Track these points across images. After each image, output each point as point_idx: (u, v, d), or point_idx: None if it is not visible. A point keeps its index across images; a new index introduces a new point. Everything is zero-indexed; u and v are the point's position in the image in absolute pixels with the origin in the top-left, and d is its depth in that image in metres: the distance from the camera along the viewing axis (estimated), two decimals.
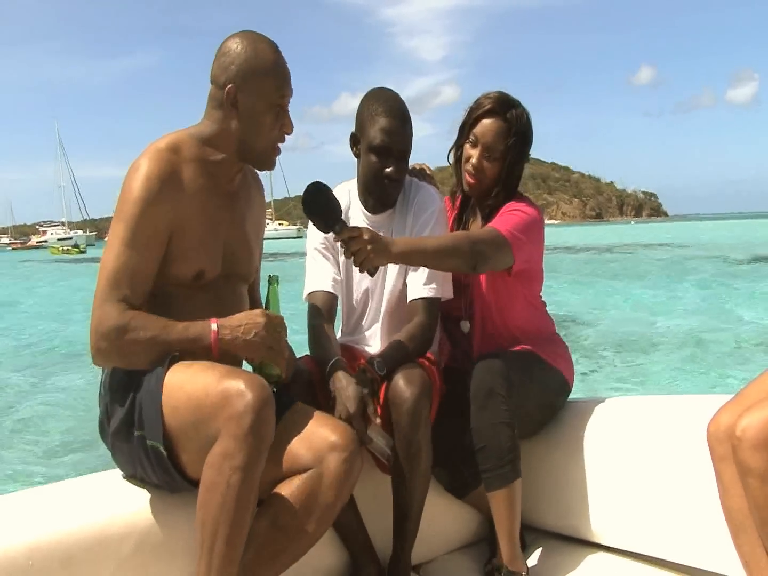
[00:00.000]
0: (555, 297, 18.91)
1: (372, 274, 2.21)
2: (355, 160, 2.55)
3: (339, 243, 2.16)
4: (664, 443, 2.38)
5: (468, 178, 2.58)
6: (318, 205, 2.14)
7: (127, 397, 1.89)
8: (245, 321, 1.90)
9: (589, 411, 2.60)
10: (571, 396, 2.69)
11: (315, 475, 1.91)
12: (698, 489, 2.16)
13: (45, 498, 1.95)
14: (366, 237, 2.09)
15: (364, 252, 2.09)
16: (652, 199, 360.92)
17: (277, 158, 2.09)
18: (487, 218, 2.60)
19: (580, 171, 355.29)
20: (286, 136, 2.07)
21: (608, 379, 10.11)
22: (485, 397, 2.30)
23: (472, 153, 2.55)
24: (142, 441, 1.85)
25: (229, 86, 1.97)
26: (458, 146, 2.63)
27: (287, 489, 1.92)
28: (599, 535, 2.53)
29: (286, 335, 1.97)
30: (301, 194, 2.18)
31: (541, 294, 2.73)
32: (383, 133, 2.38)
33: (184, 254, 1.97)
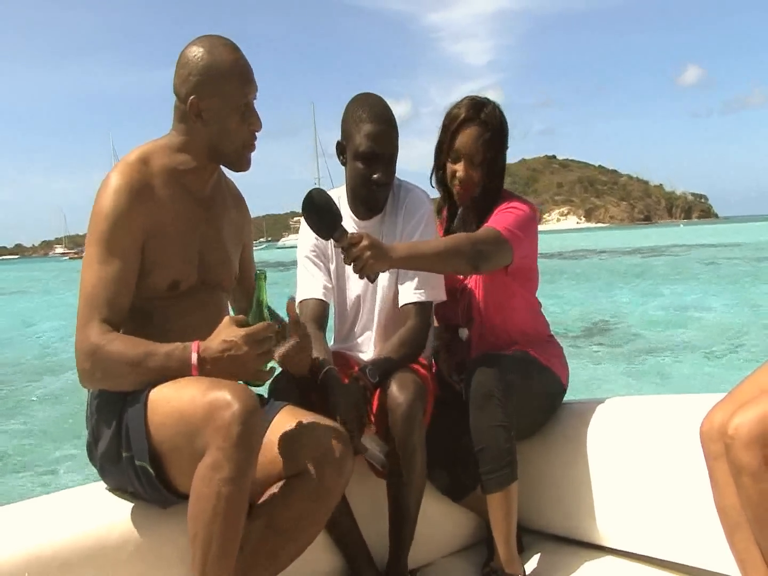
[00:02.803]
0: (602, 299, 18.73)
1: (372, 281, 2.20)
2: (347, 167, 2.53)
3: (339, 249, 2.15)
4: (660, 443, 2.36)
5: (458, 189, 2.58)
6: (319, 212, 2.13)
7: (113, 419, 1.89)
8: (227, 351, 1.79)
9: (584, 412, 2.58)
10: (569, 397, 2.68)
11: (307, 475, 1.91)
12: (695, 488, 2.14)
13: (40, 509, 1.96)
14: (366, 243, 2.07)
15: (364, 258, 2.08)
16: (702, 200, 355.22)
17: (251, 156, 2.07)
18: (479, 219, 2.58)
19: (627, 174, 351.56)
20: (256, 133, 2.05)
21: (646, 379, 9.99)
22: (482, 400, 2.30)
23: (457, 167, 2.55)
24: (130, 461, 1.85)
25: (191, 98, 1.96)
26: (440, 167, 2.63)
27: (281, 490, 1.93)
28: (596, 537, 2.51)
29: (273, 340, 1.86)
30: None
31: (536, 294, 2.73)
32: (369, 140, 2.38)
33: (158, 264, 1.97)
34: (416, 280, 2.46)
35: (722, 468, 1.87)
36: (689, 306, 17.39)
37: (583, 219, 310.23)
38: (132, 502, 1.95)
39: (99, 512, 1.94)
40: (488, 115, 2.53)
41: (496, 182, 2.59)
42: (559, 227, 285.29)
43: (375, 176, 2.41)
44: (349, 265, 2.12)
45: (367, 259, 2.07)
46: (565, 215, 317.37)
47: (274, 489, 1.94)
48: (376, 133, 2.39)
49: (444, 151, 2.59)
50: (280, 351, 1.97)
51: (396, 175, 2.53)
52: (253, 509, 1.90)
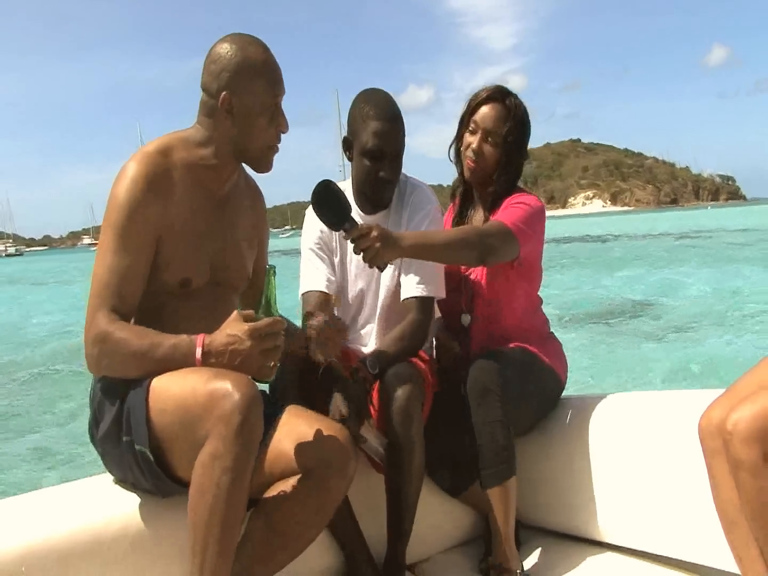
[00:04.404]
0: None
1: (381, 270, 2.21)
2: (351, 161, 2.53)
3: (348, 240, 2.14)
4: (658, 439, 2.35)
5: (468, 163, 2.58)
6: (328, 203, 2.13)
7: (115, 402, 1.89)
8: (230, 345, 1.78)
9: (583, 408, 2.58)
10: (567, 392, 2.68)
11: (310, 475, 1.90)
12: (693, 484, 2.12)
13: (38, 502, 1.96)
14: (375, 234, 2.08)
15: (373, 249, 2.08)
16: (730, 182, 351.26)
17: (273, 159, 2.06)
18: (489, 209, 2.60)
19: (653, 156, 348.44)
20: (281, 135, 2.05)
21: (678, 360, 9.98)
22: (480, 396, 2.30)
23: (472, 139, 2.57)
24: (130, 446, 1.85)
25: (223, 94, 1.94)
26: (458, 138, 2.64)
27: (283, 489, 1.91)
28: (594, 532, 2.50)
29: (281, 336, 1.83)
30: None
31: (539, 291, 2.72)
32: (375, 137, 2.39)
33: (171, 260, 1.96)
34: (419, 274, 2.46)
35: (721, 464, 1.86)
36: None
37: (609, 203, 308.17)
38: (131, 495, 1.96)
39: (97, 506, 1.94)
40: (513, 103, 2.56)
41: (509, 175, 2.59)
42: (585, 211, 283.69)
43: (381, 173, 2.42)
44: (359, 255, 2.12)
45: (377, 250, 2.08)
46: (591, 199, 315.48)
47: (276, 488, 1.93)
48: (383, 131, 2.39)
49: (464, 124, 2.60)
50: (315, 325, 2.04)
51: (403, 170, 2.53)
52: (255, 507, 1.90)
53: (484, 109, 2.55)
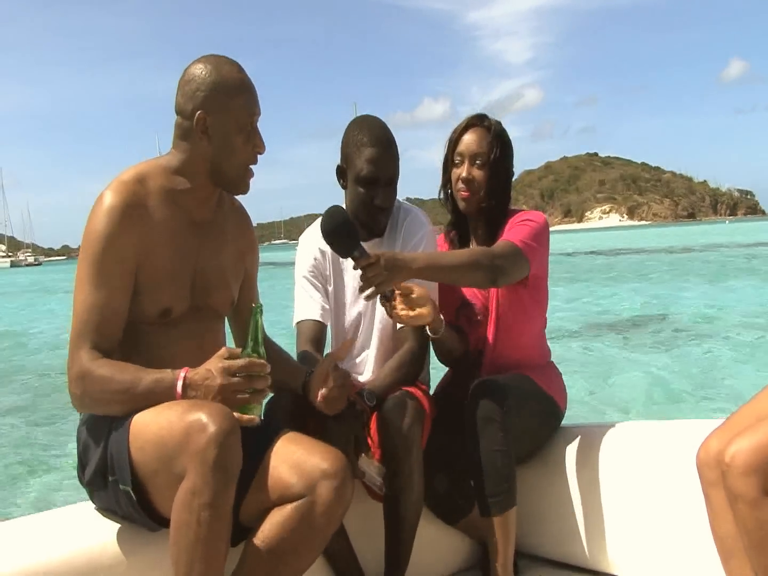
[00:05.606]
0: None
1: (388, 299, 2.18)
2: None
3: (357, 269, 2.12)
4: (657, 469, 2.34)
5: (461, 194, 2.55)
6: (338, 231, 2.11)
7: (99, 444, 1.88)
8: (206, 380, 1.78)
9: (582, 437, 2.57)
10: (568, 420, 2.67)
11: (306, 502, 1.87)
12: (691, 514, 2.11)
13: (33, 527, 1.95)
14: (383, 263, 2.06)
15: (380, 277, 2.06)
16: (748, 197, 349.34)
17: (250, 181, 2.04)
18: (490, 234, 2.55)
19: (671, 170, 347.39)
20: (258, 156, 2.03)
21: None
22: (482, 424, 2.28)
23: (460, 170, 2.54)
24: (116, 485, 1.85)
25: (198, 113, 1.93)
26: (447, 181, 2.62)
27: (279, 516, 1.88)
28: (592, 561, 2.49)
29: (264, 379, 1.82)
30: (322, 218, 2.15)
31: (545, 314, 2.69)
32: (369, 164, 2.37)
33: (149, 289, 1.94)
34: None
35: (719, 495, 1.84)
36: None
37: (626, 217, 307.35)
38: (124, 522, 1.94)
39: (91, 532, 1.93)
40: (491, 123, 2.55)
41: (502, 192, 2.56)
42: (601, 225, 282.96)
43: (376, 201, 2.41)
44: (367, 283, 2.08)
45: (385, 277, 2.07)
46: (607, 213, 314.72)
47: (273, 514, 1.90)
48: (377, 157, 2.38)
49: (450, 161, 2.58)
50: (323, 393, 2.07)
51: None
52: (250, 534, 1.88)
53: (466, 138, 2.55)
